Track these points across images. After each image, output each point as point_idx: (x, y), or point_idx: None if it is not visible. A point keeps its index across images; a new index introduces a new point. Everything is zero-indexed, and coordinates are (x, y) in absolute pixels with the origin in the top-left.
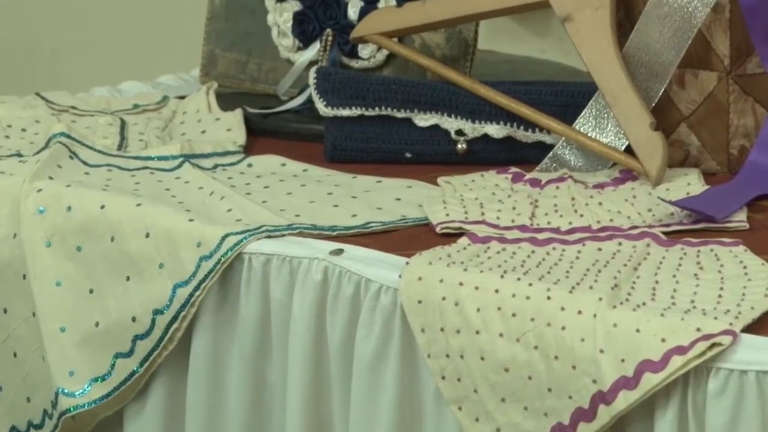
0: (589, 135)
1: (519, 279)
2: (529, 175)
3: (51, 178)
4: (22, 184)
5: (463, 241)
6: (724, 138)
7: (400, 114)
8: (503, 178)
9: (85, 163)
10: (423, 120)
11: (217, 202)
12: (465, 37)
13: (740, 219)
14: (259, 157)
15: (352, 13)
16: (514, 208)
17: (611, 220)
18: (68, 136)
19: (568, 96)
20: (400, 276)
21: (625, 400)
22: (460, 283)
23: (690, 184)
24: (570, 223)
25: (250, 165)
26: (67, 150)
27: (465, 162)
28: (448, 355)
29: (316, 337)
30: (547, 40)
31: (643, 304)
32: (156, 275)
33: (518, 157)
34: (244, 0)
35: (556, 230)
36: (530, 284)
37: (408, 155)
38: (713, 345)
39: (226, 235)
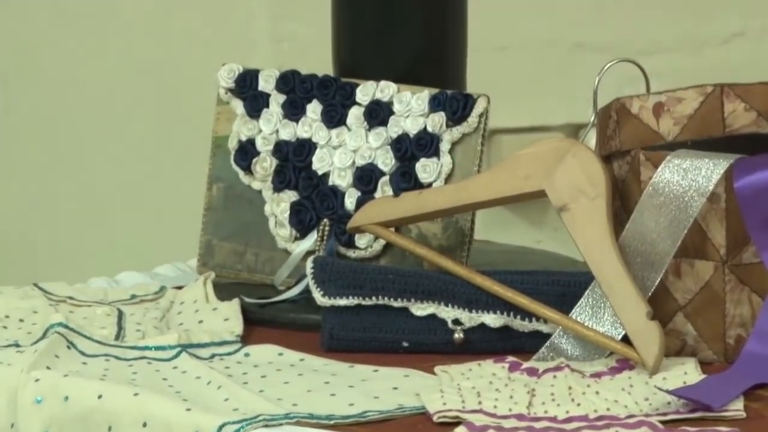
0: (586, 324)
1: None
2: (526, 364)
3: (48, 368)
4: (20, 374)
5: (461, 430)
6: (720, 328)
7: (397, 303)
8: (500, 367)
9: (82, 353)
10: (420, 309)
11: (214, 391)
12: (461, 226)
13: (737, 408)
14: (256, 346)
15: (349, 203)
16: (511, 397)
17: (608, 409)
18: (66, 326)
19: (564, 285)
20: None
21: None
22: None
23: (687, 373)
24: (567, 412)
25: (247, 354)
26: (65, 340)
27: (462, 351)
28: None
29: None
30: (543, 231)
31: None
32: None
33: (515, 346)
34: (241, 191)
35: (554, 419)
36: None
37: (405, 344)
38: None
39: (223, 425)
